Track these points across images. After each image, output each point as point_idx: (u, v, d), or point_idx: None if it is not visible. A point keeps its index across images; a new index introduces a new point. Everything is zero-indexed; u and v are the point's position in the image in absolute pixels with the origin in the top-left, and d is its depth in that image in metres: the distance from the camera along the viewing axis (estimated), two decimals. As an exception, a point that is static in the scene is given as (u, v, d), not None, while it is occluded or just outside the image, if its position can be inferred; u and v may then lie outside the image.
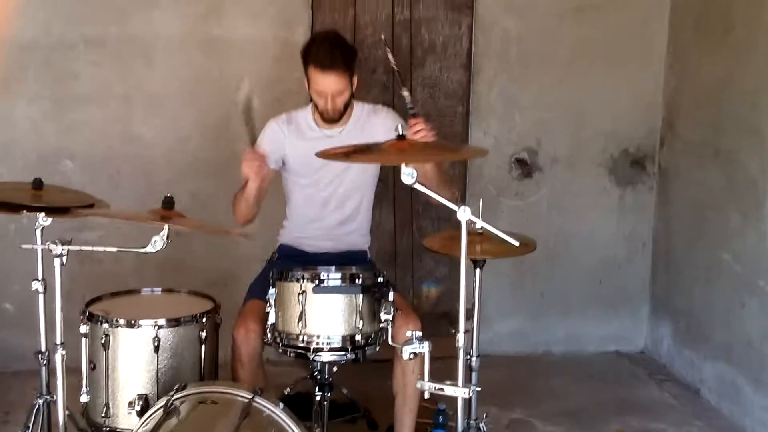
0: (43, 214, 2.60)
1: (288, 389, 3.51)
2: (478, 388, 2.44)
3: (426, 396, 2.46)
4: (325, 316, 2.46)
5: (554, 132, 4.48)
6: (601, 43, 4.45)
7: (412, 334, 2.42)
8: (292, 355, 2.61)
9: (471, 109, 4.40)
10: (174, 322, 2.73)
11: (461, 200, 3.14)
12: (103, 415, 2.72)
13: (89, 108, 4.10)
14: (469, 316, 4.46)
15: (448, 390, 2.41)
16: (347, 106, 3.11)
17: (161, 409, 2.41)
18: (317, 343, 2.48)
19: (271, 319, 2.56)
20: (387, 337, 2.51)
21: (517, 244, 2.33)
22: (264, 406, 2.46)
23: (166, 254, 4.18)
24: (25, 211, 2.59)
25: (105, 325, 2.70)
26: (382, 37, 3.75)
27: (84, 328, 2.72)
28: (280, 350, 2.62)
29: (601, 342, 4.69)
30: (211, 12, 4.13)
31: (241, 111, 2.61)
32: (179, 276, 4.01)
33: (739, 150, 3.79)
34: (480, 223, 2.33)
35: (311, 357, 2.56)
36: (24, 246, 2.58)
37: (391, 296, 2.50)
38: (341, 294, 2.43)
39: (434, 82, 4.35)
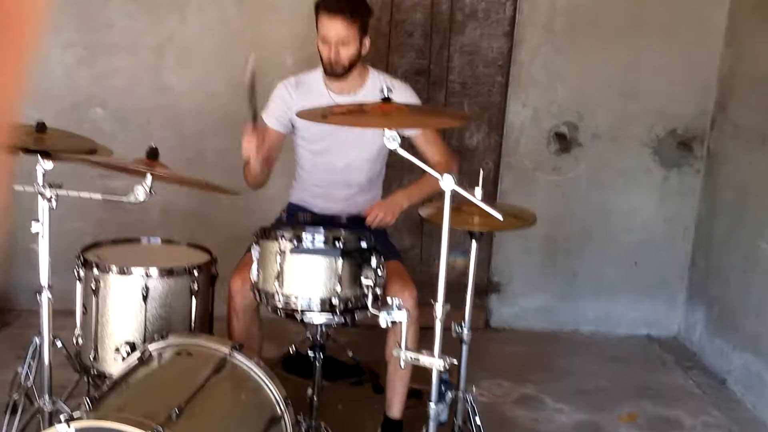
0: (40, 157, 2.62)
1: (292, 347, 3.49)
2: (455, 360, 2.35)
3: (401, 365, 2.41)
4: (301, 277, 2.40)
5: (598, 107, 4.30)
6: (655, 17, 4.23)
7: (391, 302, 2.35)
8: (282, 315, 2.58)
9: (511, 79, 4.24)
10: (165, 272, 2.73)
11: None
12: (92, 358, 2.75)
13: (121, 56, 4.12)
14: (491, 289, 4.46)
15: (424, 360, 2.35)
16: (353, 64, 3.02)
17: (137, 358, 2.42)
18: (294, 304, 2.43)
19: (253, 277, 2.52)
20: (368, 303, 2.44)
21: (500, 217, 2.23)
22: (240, 362, 2.44)
23: (194, 207, 4.28)
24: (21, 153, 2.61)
25: (96, 271, 2.71)
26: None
27: (79, 273, 2.75)
28: (268, 309, 2.60)
29: (633, 325, 4.53)
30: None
31: (246, 87, 2.53)
32: (206, 229, 4.05)
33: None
34: (463, 193, 2.22)
35: (298, 318, 2.53)
36: (16, 187, 2.59)
37: (373, 262, 2.43)
38: (319, 256, 2.37)
39: (474, 50, 4.20)
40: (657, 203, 4.42)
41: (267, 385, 2.44)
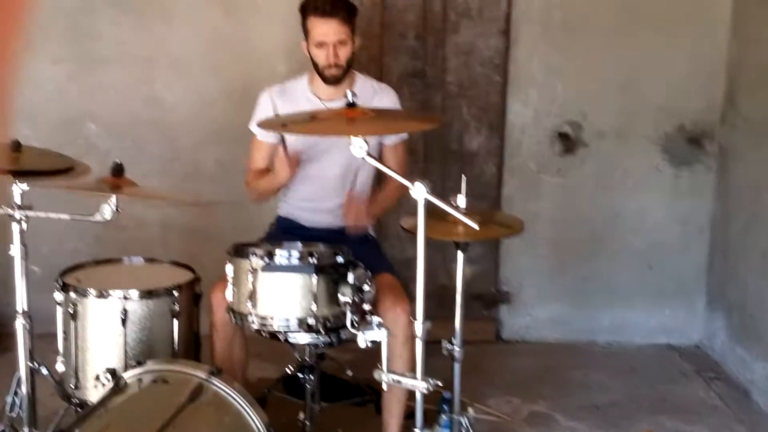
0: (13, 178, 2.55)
1: (289, 367, 3.39)
2: (439, 383, 2.23)
3: (384, 387, 2.30)
4: (275, 297, 2.30)
5: (601, 104, 4.14)
6: (656, 6, 4.06)
7: (371, 320, 2.25)
8: (266, 335, 2.48)
9: (509, 78, 4.10)
10: (144, 294, 2.64)
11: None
12: (73, 386, 2.67)
13: (111, 69, 4.03)
14: (501, 300, 4.31)
15: (406, 382, 2.24)
16: (350, 64, 2.94)
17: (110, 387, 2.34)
18: (271, 326, 2.33)
19: (228, 297, 2.43)
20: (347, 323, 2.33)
21: (476, 226, 2.11)
22: (219, 387, 2.35)
23: (191, 222, 4.20)
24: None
25: (74, 295, 2.64)
26: None
27: (59, 296, 2.68)
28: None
29: (651, 333, 4.33)
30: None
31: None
32: (205, 243, 3.96)
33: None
34: (436, 202, 2.10)
35: (281, 339, 2.43)
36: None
37: (350, 278, 2.32)
38: (291, 273, 2.26)
39: (469, 49, 4.05)
40: (669, 204, 4.25)
41: (247, 411, 2.34)
